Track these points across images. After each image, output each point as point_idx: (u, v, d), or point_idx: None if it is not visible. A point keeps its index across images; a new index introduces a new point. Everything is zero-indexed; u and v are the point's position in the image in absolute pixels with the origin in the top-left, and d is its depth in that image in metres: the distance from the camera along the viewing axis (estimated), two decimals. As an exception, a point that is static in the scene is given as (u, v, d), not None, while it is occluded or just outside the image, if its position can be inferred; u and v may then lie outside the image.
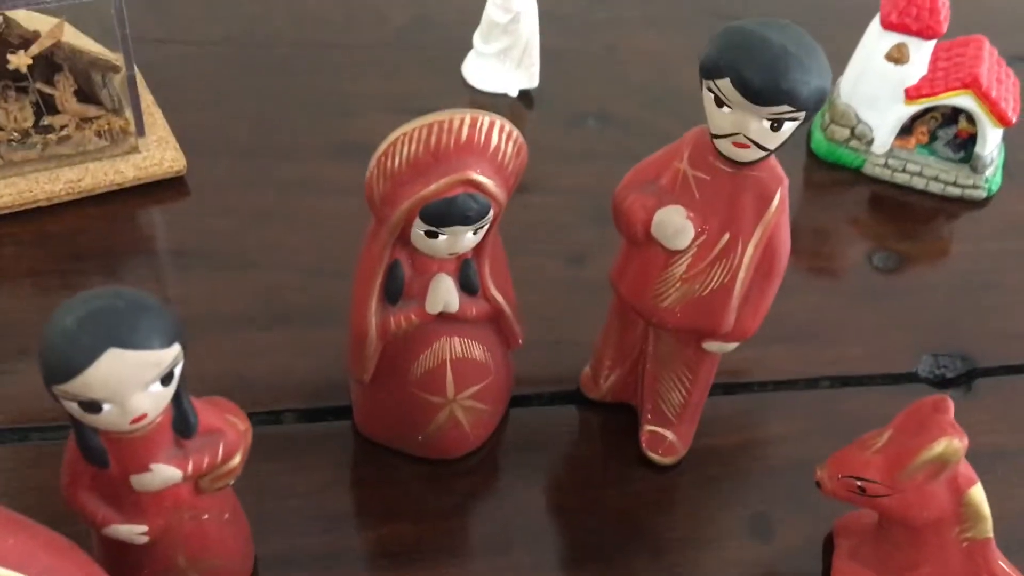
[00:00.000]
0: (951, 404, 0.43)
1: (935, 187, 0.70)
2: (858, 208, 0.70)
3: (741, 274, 0.46)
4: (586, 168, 0.69)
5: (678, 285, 0.47)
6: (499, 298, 0.47)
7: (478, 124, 0.41)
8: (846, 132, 0.71)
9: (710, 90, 0.41)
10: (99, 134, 0.64)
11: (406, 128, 0.42)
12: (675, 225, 0.45)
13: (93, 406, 0.33)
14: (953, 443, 0.42)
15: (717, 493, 0.53)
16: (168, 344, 0.34)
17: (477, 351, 0.49)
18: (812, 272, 0.65)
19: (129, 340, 0.32)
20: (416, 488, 0.52)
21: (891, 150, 0.70)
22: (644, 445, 0.53)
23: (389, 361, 0.48)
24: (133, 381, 0.33)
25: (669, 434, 0.53)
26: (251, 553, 0.46)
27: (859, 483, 0.44)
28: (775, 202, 0.44)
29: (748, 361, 0.58)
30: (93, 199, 0.64)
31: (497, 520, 0.51)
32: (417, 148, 0.41)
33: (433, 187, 0.41)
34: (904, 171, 0.70)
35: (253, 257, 0.61)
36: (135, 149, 0.65)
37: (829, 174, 0.72)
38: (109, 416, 0.34)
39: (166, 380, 0.34)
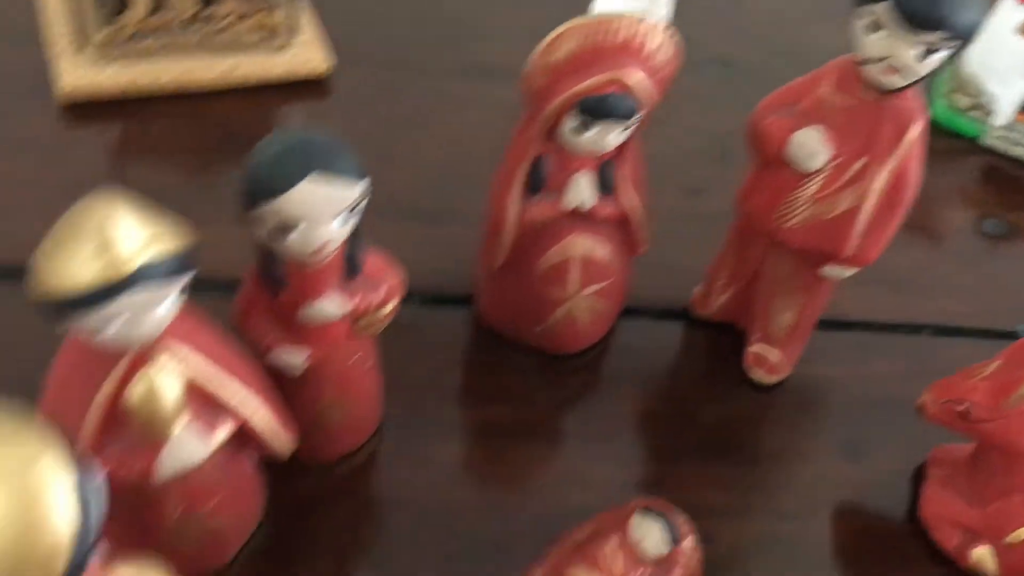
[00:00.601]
0: (1063, 338, 0.45)
1: (1052, 163, 0.71)
2: (971, 176, 0.71)
3: (870, 200, 0.48)
4: (708, 110, 0.72)
5: (806, 206, 0.49)
6: (632, 202, 0.50)
7: (637, 27, 0.44)
8: (968, 101, 0.72)
9: (866, 14, 0.43)
10: (255, 29, 0.68)
11: (569, 25, 0.45)
12: (811, 147, 0.47)
13: (284, 230, 0.37)
14: (1062, 374, 0.43)
15: (813, 417, 0.55)
16: (359, 180, 0.37)
17: (602, 252, 0.52)
18: (920, 230, 0.67)
19: (328, 169, 0.36)
20: (526, 377, 0.55)
21: (1012, 124, 0.71)
22: (748, 363, 0.56)
23: (519, 253, 0.52)
24: (324, 209, 0.37)
25: (774, 354, 0.55)
26: (379, 410, 0.50)
27: (962, 408, 0.46)
28: (913, 132, 0.46)
29: (854, 302, 0.60)
30: (242, 91, 0.68)
31: (598, 415, 0.54)
32: (578, 45, 0.44)
33: (589, 82, 0.44)
34: (1022, 145, 0.71)
35: (387, 159, 0.65)
36: (286, 47, 0.69)
37: (946, 141, 0.73)
38: (296, 242, 0.37)
39: (349, 216, 0.38)
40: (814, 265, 0.51)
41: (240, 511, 0.44)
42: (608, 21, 0.45)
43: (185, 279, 0.34)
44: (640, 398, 0.56)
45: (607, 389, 0.56)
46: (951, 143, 0.73)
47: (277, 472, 0.49)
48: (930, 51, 0.43)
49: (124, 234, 0.31)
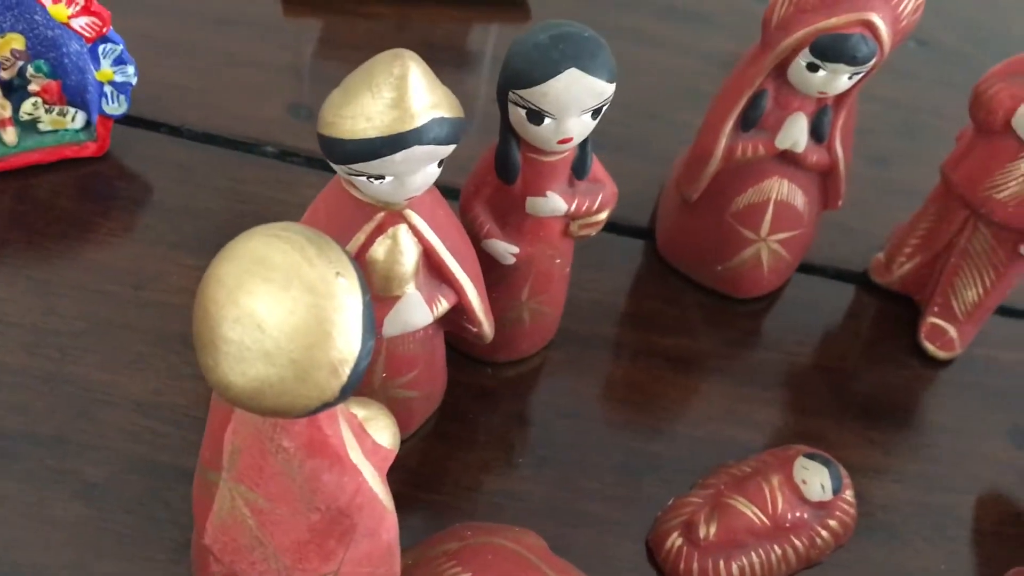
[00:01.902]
0: None
1: None
2: None
3: (1090, 183, 0.47)
4: (901, 85, 0.71)
5: (1021, 180, 0.48)
6: (840, 153, 0.50)
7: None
8: None
9: None
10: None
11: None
12: (1041, 119, 0.46)
13: (537, 117, 0.38)
14: None
15: (981, 398, 0.55)
16: (611, 80, 0.38)
17: (800, 199, 0.52)
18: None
19: (587, 66, 0.37)
20: (697, 313, 0.56)
21: None
22: (923, 335, 0.56)
23: (717, 187, 0.52)
24: (577, 103, 0.38)
25: (951, 329, 0.55)
26: (560, 319, 0.52)
27: None
28: None
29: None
30: (447, 3, 0.70)
31: (762, 362, 0.55)
32: (828, -18, 0.44)
33: (834, 20, 0.45)
34: None
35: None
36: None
37: None
38: (545, 131, 0.39)
39: (596, 114, 0.39)
40: (1014, 243, 0.51)
41: (430, 388, 0.46)
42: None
43: (452, 148, 0.36)
44: (804, 352, 0.56)
45: (774, 338, 0.56)
46: None
47: (455, 362, 0.51)
48: None
49: (417, 91, 0.33)
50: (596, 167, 0.44)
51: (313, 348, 0.28)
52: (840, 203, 0.53)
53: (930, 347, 0.55)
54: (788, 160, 0.50)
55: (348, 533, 0.33)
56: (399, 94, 0.33)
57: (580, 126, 0.39)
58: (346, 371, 0.28)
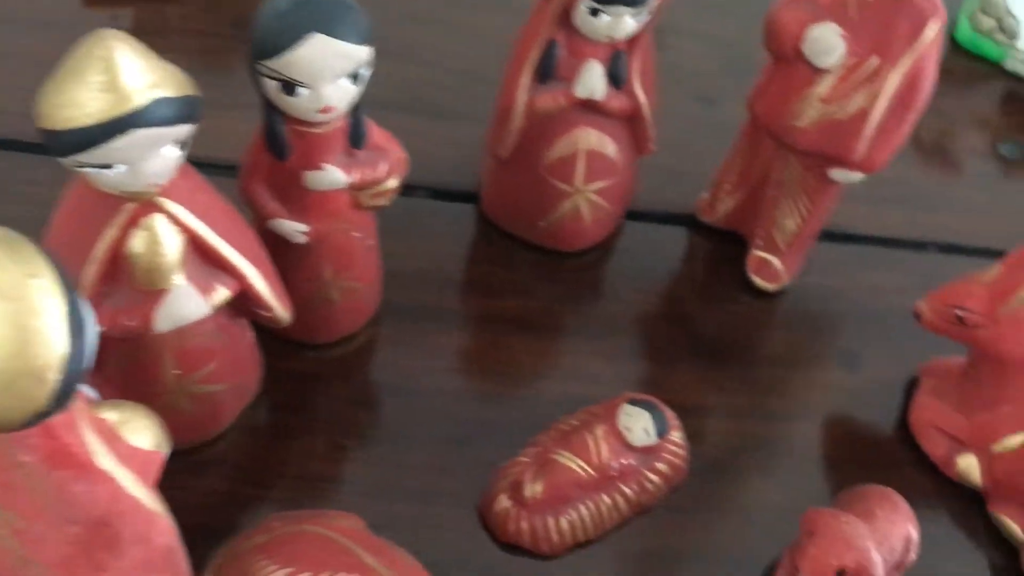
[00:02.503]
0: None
1: (1075, 90, 0.70)
2: (991, 100, 0.70)
3: (882, 101, 0.47)
4: (725, 23, 0.71)
5: (817, 105, 0.48)
6: (642, 97, 0.50)
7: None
8: (992, 23, 0.70)
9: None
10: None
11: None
12: (827, 42, 0.46)
13: (290, 88, 0.37)
14: (1062, 280, 0.43)
15: (811, 325, 0.56)
16: (363, 43, 0.37)
17: (610, 148, 0.52)
18: (935, 150, 0.66)
19: (333, 29, 0.36)
20: (530, 273, 0.56)
21: (1036, 47, 0.70)
22: (750, 269, 0.56)
23: (527, 144, 0.51)
24: (329, 69, 0.37)
25: (776, 261, 0.55)
26: (379, 291, 0.51)
27: (959, 312, 0.46)
28: (929, 33, 0.46)
29: (860, 215, 0.60)
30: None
31: (596, 313, 0.55)
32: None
33: (605, -36, 0.44)
34: (1046, 70, 0.70)
35: (403, 54, 0.65)
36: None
37: (968, 63, 0.72)
38: (301, 101, 0.37)
39: (356, 79, 0.38)
40: (821, 169, 0.51)
41: (236, 380, 0.44)
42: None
43: (187, 129, 0.34)
44: (639, 299, 0.56)
45: (607, 289, 0.56)
46: (973, 66, 0.71)
47: (276, 350, 0.50)
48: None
49: (130, 72, 0.31)
50: (377, 134, 0.42)
51: (13, 357, 0.26)
52: (652, 146, 0.53)
53: (758, 280, 0.56)
54: (592, 109, 0.50)
55: (114, 542, 0.32)
56: (109, 77, 0.31)
57: (339, 93, 0.38)
58: (53, 377, 0.27)
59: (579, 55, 0.48)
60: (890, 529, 0.43)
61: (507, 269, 0.56)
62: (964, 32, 0.71)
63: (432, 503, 0.46)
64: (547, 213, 0.54)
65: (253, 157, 0.41)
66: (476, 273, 0.56)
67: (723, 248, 0.58)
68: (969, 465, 0.49)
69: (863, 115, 0.48)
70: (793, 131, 0.49)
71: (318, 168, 0.41)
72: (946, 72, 0.73)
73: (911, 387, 0.53)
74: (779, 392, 0.53)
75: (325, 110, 0.38)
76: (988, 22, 0.70)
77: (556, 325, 0.54)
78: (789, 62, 0.48)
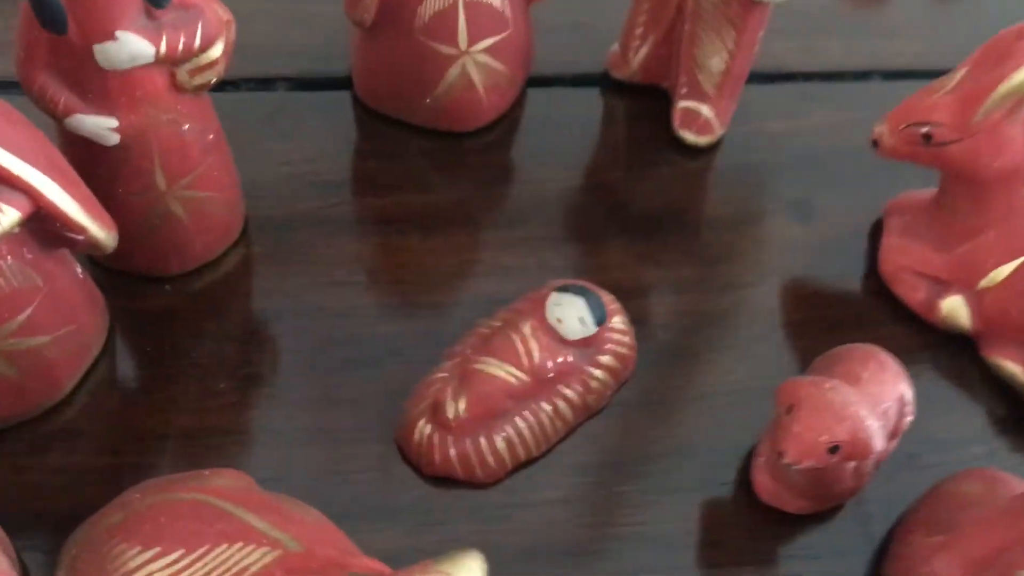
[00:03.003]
0: (1037, 29, 0.38)
1: None
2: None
3: None
4: None
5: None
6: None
7: None
8: None
9: None
10: None
11: None
12: None
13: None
14: (1040, 69, 0.36)
15: (755, 178, 0.48)
16: None
17: (495, -3, 0.43)
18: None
19: None
20: (423, 163, 0.47)
21: None
22: (676, 124, 0.48)
23: (394, 3, 0.42)
24: None
25: (705, 109, 0.47)
26: (239, 204, 0.42)
27: (924, 130, 0.39)
28: None
29: (793, 51, 0.53)
30: None
31: (508, 198, 0.47)
32: None
33: None
34: None
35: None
36: None
37: None
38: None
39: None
40: (744, -11, 0.43)
41: (65, 329, 0.35)
42: None
43: None
44: (554, 177, 0.48)
45: (516, 170, 0.48)
46: None
47: (123, 288, 0.41)
48: None
49: None
50: (187, -12, 0.33)
51: None
52: (540, -9, 0.45)
53: (687, 135, 0.48)
54: (464, -51, 0.41)
55: None
56: None
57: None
58: None
59: None
60: (880, 391, 0.36)
61: (396, 161, 0.47)
62: None
63: (337, 444, 0.38)
64: (432, 86, 0.45)
65: (26, 37, 0.32)
66: (359, 170, 0.47)
67: (643, 105, 0.50)
68: (955, 307, 0.42)
69: (787, -90, 0.40)
70: (707, -56, 0.42)
71: (111, 39, 0.31)
72: None
73: (876, 231, 0.46)
74: (727, 258, 0.45)
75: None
76: None
77: (461, 218, 0.45)
78: None
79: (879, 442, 0.34)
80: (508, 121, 0.49)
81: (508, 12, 0.44)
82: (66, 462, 0.37)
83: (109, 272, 0.40)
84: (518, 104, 0.49)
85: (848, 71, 0.53)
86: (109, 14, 0.31)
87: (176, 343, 0.40)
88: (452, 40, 0.43)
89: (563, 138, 0.49)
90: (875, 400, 0.36)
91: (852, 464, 0.36)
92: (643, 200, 0.47)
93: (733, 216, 0.47)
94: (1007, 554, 0.31)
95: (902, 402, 0.37)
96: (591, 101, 0.51)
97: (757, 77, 0.50)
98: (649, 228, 0.46)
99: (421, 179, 0.47)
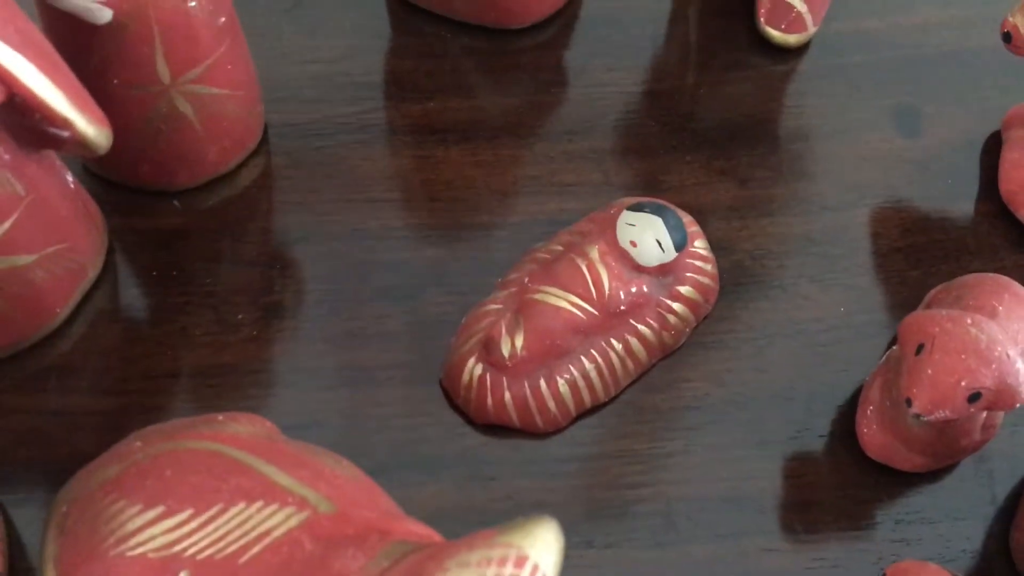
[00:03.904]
0: None
1: None
2: None
3: None
4: None
5: None
6: None
7: None
8: None
9: None
10: None
11: None
12: None
13: None
14: None
15: (850, 84, 0.42)
16: None
17: None
18: None
19: None
20: (468, 64, 0.41)
21: None
22: (763, 20, 0.41)
23: None
24: None
25: (797, 3, 0.41)
26: (257, 105, 0.36)
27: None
28: None
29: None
30: None
31: (566, 104, 0.40)
32: None
33: None
34: None
35: None
36: None
37: None
38: None
39: None
40: None
41: (58, 250, 0.30)
42: None
43: None
44: (617, 80, 0.41)
45: (574, 72, 0.42)
46: None
47: (125, 204, 0.35)
48: None
49: None
50: None
51: None
52: None
53: (775, 33, 0.41)
54: None
55: None
56: None
57: None
58: None
59: None
60: (1019, 328, 0.31)
61: (437, 61, 0.41)
62: None
63: (374, 385, 0.33)
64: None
65: None
66: (397, 71, 0.40)
67: None
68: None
69: None
70: None
71: None
72: None
73: (993, 145, 0.40)
74: (821, 174, 0.39)
75: None
76: None
77: (513, 127, 0.39)
78: None
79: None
80: (565, 17, 0.43)
81: None
82: (60, 404, 0.32)
83: (107, 184, 0.35)
84: (576, -2, 0.43)
85: (958, -38, 0.46)
86: None
87: (186, 268, 0.35)
88: (505, -88, 0.37)
89: (625, 36, 0.43)
90: (1017, 339, 0.30)
91: (984, 415, 0.30)
92: (722, 109, 0.41)
93: (825, 127, 0.40)
94: None
95: (1044, 338, 0.31)
96: (660, -5, 0.44)
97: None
98: (730, 141, 0.40)
99: (466, 83, 0.40)
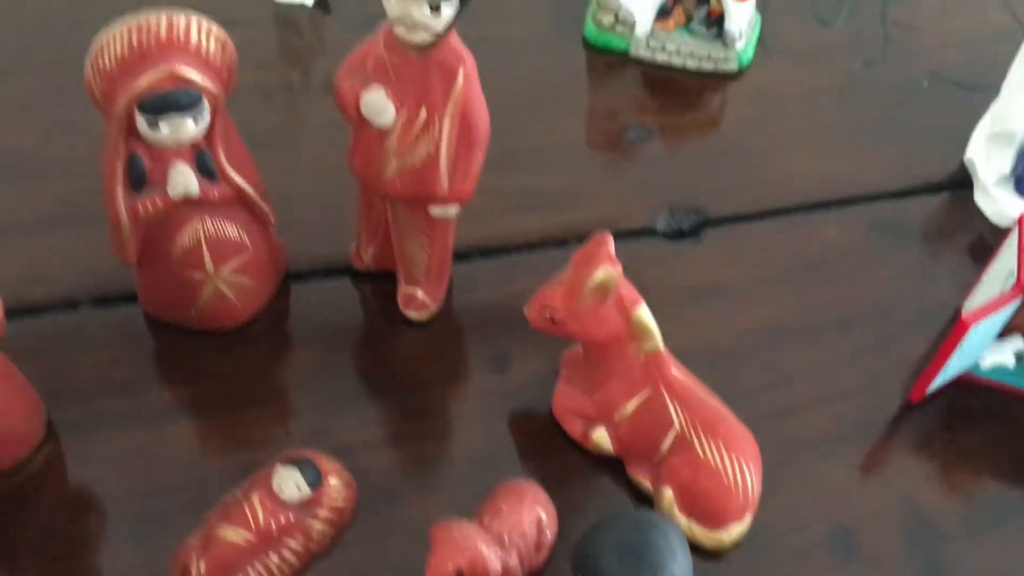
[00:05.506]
0: (609, 239, 0.51)
1: (692, 63, 0.77)
2: (628, 87, 0.77)
3: (443, 145, 0.52)
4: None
5: (393, 158, 0.53)
6: (238, 180, 0.54)
7: (175, 23, 0.47)
8: (611, 17, 0.77)
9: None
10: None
11: (110, 30, 0.48)
12: (378, 105, 0.51)
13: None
14: (608, 271, 0.49)
15: (467, 340, 0.61)
16: None
17: (231, 230, 0.55)
18: (574, 147, 0.72)
19: None
20: (207, 356, 0.59)
21: (652, 32, 0.77)
22: (401, 304, 0.61)
23: (152, 244, 0.55)
24: None
25: (419, 293, 0.60)
26: (39, 418, 0.54)
27: (548, 313, 0.52)
28: (459, 79, 0.51)
29: (506, 229, 0.66)
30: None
31: (269, 377, 0.59)
32: (123, 48, 0.47)
33: (144, 82, 0.48)
34: (664, 51, 0.77)
35: (52, 167, 0.67)
36: None
37: (603, 58, 0.78)
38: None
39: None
40: (423, 208, 0.56)
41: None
42: (149, 20, 0.48)
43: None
44: (311, 355, 0.60)
45: (280, 352, 0.60)
46: (607, 59, 0.78)
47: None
48: (434, 7, 0.47)
49: None
50: None
51: None
52: (271, 219, 0.57)
53: (410, 313, 0.61)
54: (198, 202, 0.53)
55: None
56: None
57: None
58: None
59: (162, 161, 0.51)
60: (517, 519, 0.49)
61: (186, 356, 0.59)
62: (591, 31, 0.78)
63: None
64: (193, 302, 0.57)
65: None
66: (158, 367, 0.58)
67: (383, 289, 0.63)
68: (601, 437, 0.55)
69: (433, 160, 0.53)
70: (383, 183, 0.54)
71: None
72: (588, 68, 0.80)
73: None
74: (437, 410, 0.58)
75: None
76: (607, 17, 0.77)
77: (230, 399, 0.57)
78: (362, 124, 0.53)
79: (497, 566, 0.46)
80: (271, 313, 0.61)
81: (246, 238, 0.56)
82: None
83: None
84: (278, 297, 0.62)
85: (548, 240, 0.66)
86: None
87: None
88: (200, 267, 0.56)
89: (321, 321, 0.61)
90: (511, 528, 0.48)
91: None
92: (377, 369, 0.59)
93: (444, 375, 0.59)
94: None
95: (540, 523, 0.50)
96: (343, 288, 0.63)
97: (474, 253, 0.63)
98: (378, 394, 0.58)
99: (207, 370, 0.58)
